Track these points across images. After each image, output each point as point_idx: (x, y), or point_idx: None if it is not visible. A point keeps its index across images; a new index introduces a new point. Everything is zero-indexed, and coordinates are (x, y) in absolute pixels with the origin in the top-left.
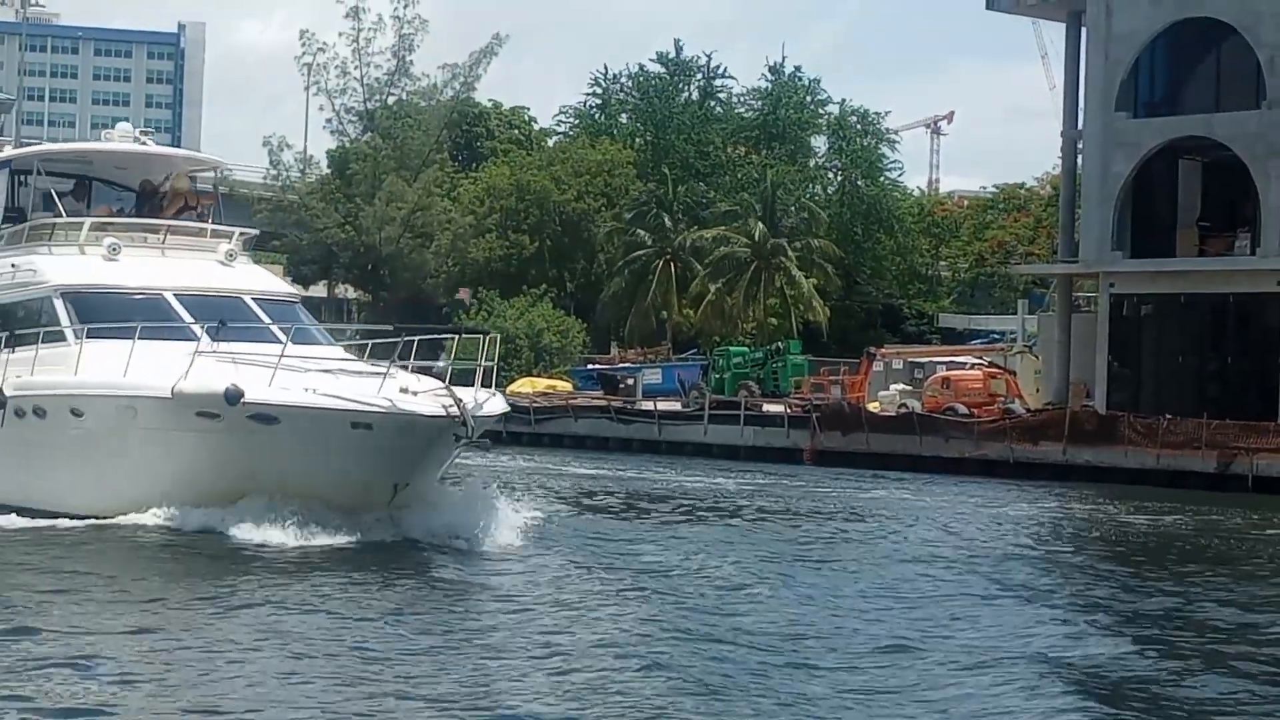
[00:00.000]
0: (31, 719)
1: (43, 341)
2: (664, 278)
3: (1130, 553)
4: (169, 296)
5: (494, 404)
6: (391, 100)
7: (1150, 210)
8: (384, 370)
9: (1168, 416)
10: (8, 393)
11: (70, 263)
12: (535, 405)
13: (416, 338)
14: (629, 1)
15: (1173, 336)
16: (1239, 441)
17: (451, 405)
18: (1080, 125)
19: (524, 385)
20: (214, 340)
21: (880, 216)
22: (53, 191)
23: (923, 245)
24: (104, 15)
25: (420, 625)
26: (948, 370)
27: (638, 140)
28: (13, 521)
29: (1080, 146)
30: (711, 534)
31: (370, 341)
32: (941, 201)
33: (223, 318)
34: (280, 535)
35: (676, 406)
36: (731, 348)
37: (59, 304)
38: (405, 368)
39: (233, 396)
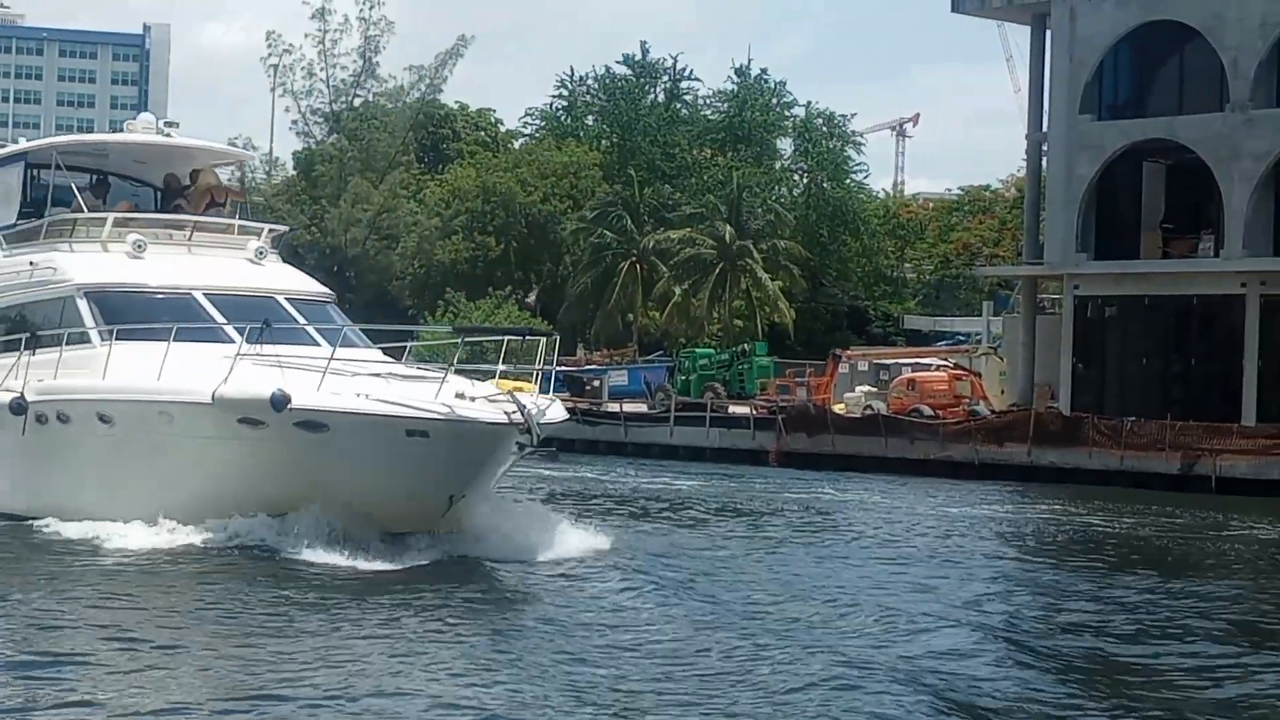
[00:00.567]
0: None
1: (66, 344)
2: (629, 280)
3: (1089, 553)
4: (198, 296)
5: (555, 410)
6: (357, 102)
7: (1114, 212)
8: (439, 375)
9: (1132, 418)
10: (29, 398)
11: (93, 260)
12: None
13: (470, 339)
14: (596, 5)
15: (1137, 338)
16: (1203, 443)
17: (514, 411)
18: (1045, 128)
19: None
20: (256, 343)
21: (846, 219)
22: (73, 185)
23: (888, 247)
24: (69, 16)
25: (515, 650)
26: (913, 372)
27: (604, 142)
28: (52, 528)
29: (1045, 149)
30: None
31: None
32: (907, 204)
33: (255, 318)
34: (327, 551)
35: (642, 408)
36: (697, 349)
37: (82, 304)
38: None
39: (279, 402)
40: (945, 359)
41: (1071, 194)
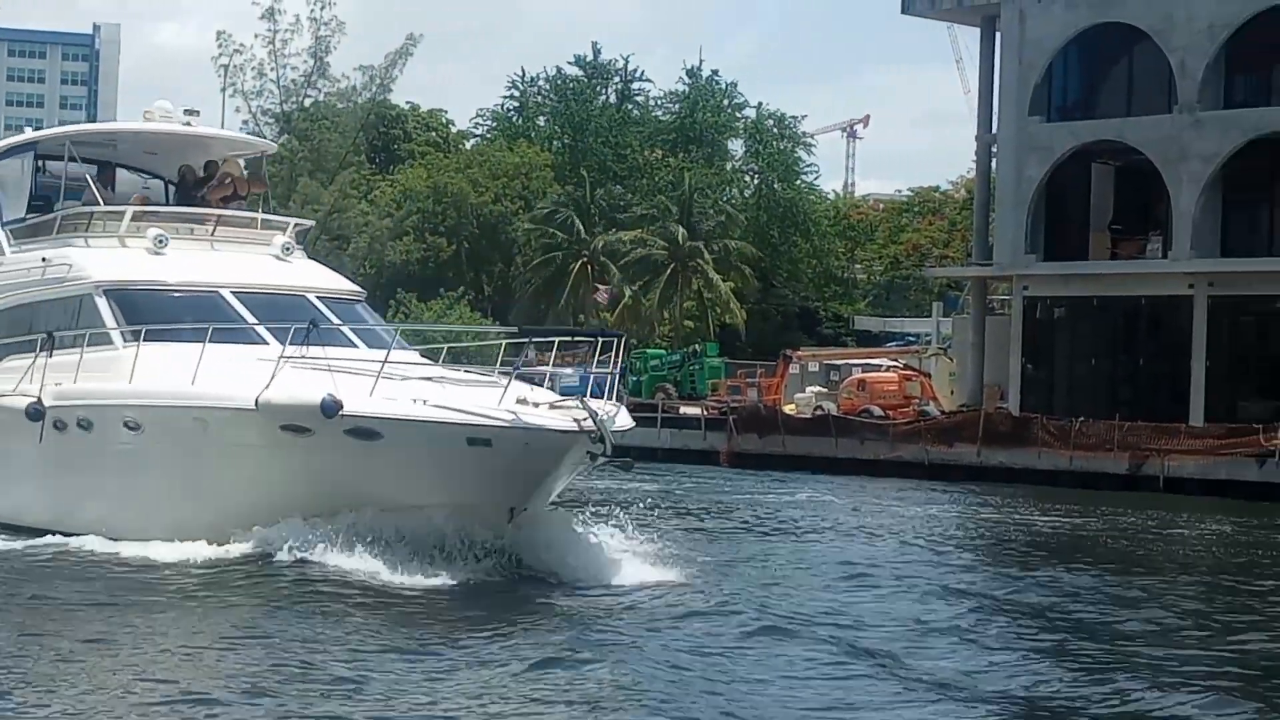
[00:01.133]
0: None
1: (86, 345)
2: (581, 280)
3: (1035, 552)
4: (226, 294)
5: (622, 418)
6: (308, 102)
7: (1063, 214)
8: (490, 379)
9: (1081, 418)
10: (46, 403)
11: (111, 256)
12: None
13: (538, 339)
14: (548, 6)
15: (1086, 339)
16: (1150, 443)
17: (584, 418)
18: (995, 129)
19: None
20: (300, 344)
21: (796, 220)
22: (88, 177)
23: (839, 248)
24: (18, 16)
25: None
26: (863, 373)
27: (555, 143)
28: (88, 545)
29: (994, 150)
30: None
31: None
32: (857, 205)
33: (286, 318)
34: (375, 566)
35: None
36: (648, 350)
37: (101, 303)
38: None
39: (330, 408)
40: (895, 360)
41: (1021, 195)
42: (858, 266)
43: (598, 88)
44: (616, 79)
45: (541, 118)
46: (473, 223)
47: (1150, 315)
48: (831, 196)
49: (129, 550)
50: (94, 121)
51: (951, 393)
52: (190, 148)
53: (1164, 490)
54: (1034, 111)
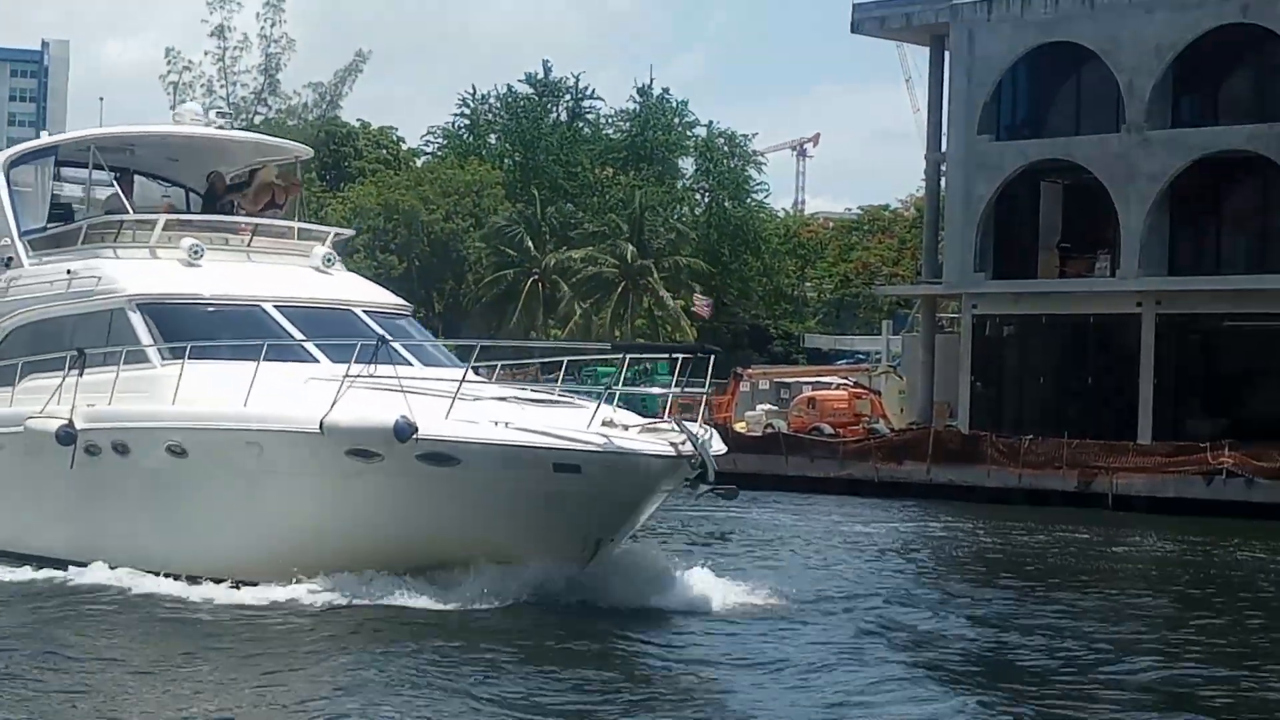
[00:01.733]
0: None
1: (122, 362)
2: (532, 298)
3: (983, 569)
4: (268, 308)
5: (715, 442)
6: (258, 120)
7: (1012, 232)
8: (568, 399)
9: (1029, 436)
10: (78, 425)
11: (144, 268)
12: None
13: (634, 354)
14: (499, 24)
15: (1034, 357)
16: (1099, 461)
17: (682, 442)
18: (944, 148)
19: None
20: (368, 362)
21: (747, 238)
22: (115, 183)
23: (789, 266)
24: None
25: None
26: (813, 390)
27: (506, 161)
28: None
29: (944, 169)
30: None
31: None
32: (807, 223)
33: (333, 333)
34: (443, 601)
35: None
36: (599, 368)
37: (135, 318)
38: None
39: (404, 431)
40: (845, 378)
41: (970, 214)
42: (808, 285)
43: (549, 105)
44: (567, 97)
45: (492, 135)
46: (424, 240)
47: (1098, 333)
48: (782, 215)
49: (174, 589)
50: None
51: (901, 410)
52: (218, 153)
53: (1112, 508)
54: (983, 130)
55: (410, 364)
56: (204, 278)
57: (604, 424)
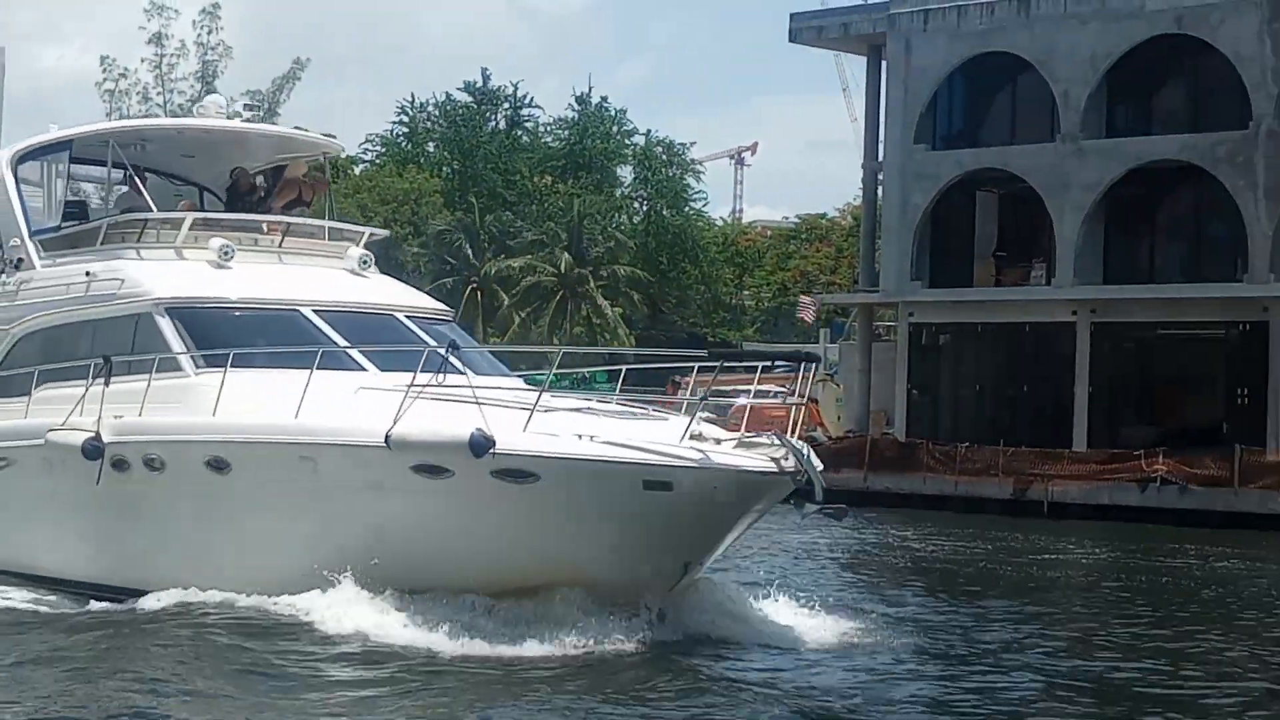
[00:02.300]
0: None
1: (154, 371)
2: (470, 307)
3: (918, 576)
4: (306, 313)
5: (814, 458)
6: None
7: (948, 241)
8: (650, 410)
9: (966, 444)
10: (105, 438)
11: (172, 270)
12: None
13: (728, 363)
14: (437, 33)
15: (970, 365)
16: (1034, 468)
17: (785, 457)
18: (881, 157)
19: None
20: (436, 371)
21: (685, 246)
22: (134, 180)
23: (727, 275)
24: None
25: None
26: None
27: (445, 169)
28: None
29: (880, 178)
30: None
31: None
32: (745, 231)
33: (376, 339)
34: (527, 638)
35: None
36: (537, 376)
37: (164, 322)
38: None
39: (480, 445)
40: (782, 386)
41: (906, 222)
42: (745, 293)
43: (487, 114)
44: (506, 105)
45: (431, 143)
46: None
47: (1034, 342)
48: (720, 223)
49: (220, 613)
50: None
51: (838, 418)
52: (239, 148)
53: (1048, 515)
54: (919, 139)
55: (463, 373)
56: (236, 280)
57: (692, 437)
